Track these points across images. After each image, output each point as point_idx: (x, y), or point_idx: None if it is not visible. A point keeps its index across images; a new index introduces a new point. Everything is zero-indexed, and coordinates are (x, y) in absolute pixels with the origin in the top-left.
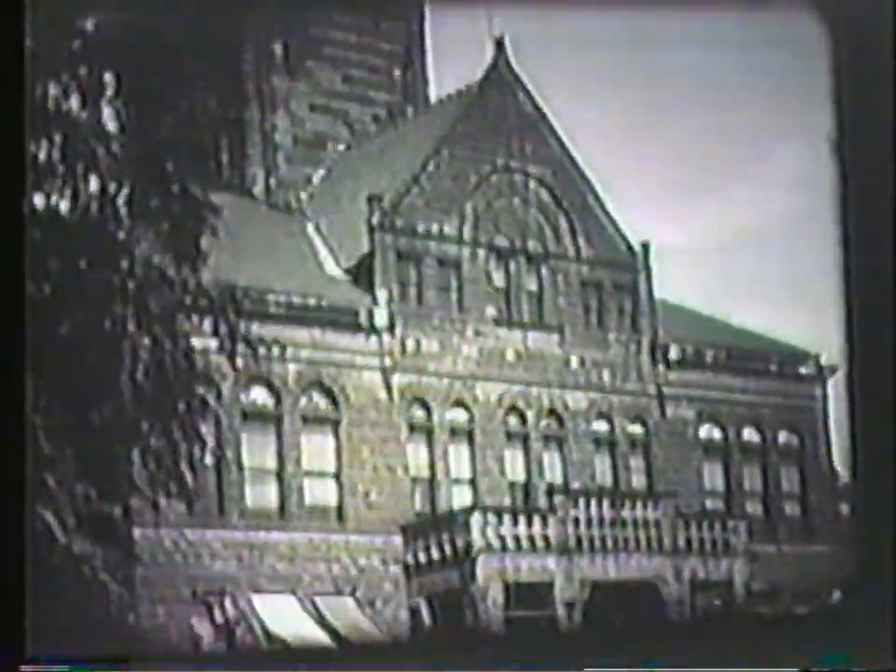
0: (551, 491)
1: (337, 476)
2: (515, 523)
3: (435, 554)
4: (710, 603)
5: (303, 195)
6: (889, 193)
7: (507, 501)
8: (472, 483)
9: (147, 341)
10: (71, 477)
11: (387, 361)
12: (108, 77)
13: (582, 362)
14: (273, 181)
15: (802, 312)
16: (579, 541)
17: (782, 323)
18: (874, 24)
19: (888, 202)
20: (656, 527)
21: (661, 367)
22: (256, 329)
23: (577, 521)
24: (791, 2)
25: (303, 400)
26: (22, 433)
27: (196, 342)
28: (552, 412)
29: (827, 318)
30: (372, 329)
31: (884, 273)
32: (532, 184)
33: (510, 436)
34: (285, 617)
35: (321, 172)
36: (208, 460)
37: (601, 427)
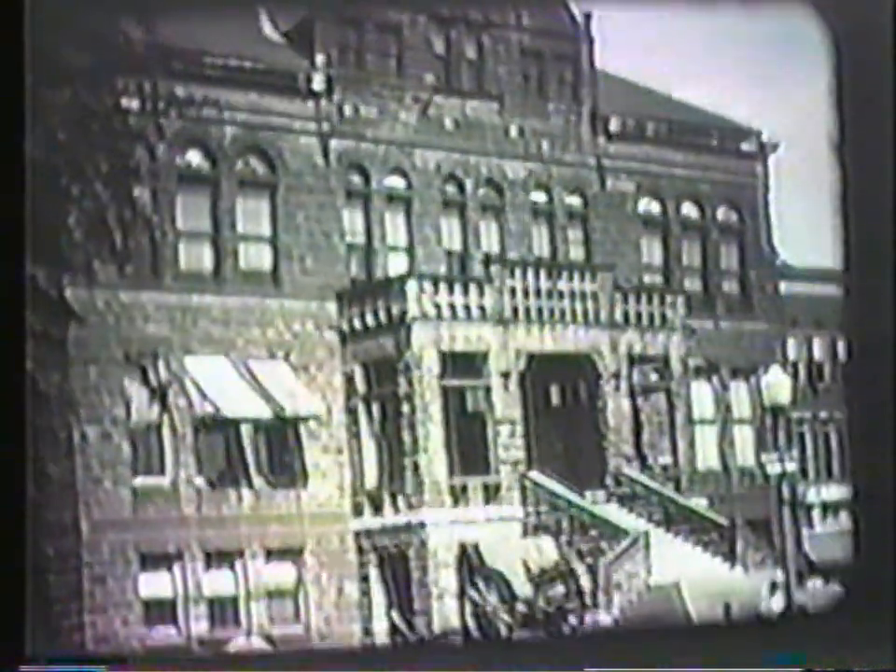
0: (487, 260)
1: (273, 241)
2: (451, 291)
3: (370, 321)
4: (646, 376)
5: None
6: (890, 193)
7: (443, 270)
8: (409, 250)
9: (66, 95)
10: None
11: (325, 126)
12: None
13: (522, 132)
14: None
15: (745, 89)
16: (515, 312)
17: (725, 99)
18: (874, 24)
19: (888, 202)
20: (593, 300)
21: (601, 139)
22: (190, 90)
23: (513, 291)
24: (790, 2)
25: (239, 164)
26: (22, 433)
27: (125, 101)
28: (490, 181)
29: (770, 96)
30: (310, 93)
31: (884, 272)
32: None
33: (447, 204)
34: (217, 380)
35: None
36: (141, 222)
37: (539, 197)
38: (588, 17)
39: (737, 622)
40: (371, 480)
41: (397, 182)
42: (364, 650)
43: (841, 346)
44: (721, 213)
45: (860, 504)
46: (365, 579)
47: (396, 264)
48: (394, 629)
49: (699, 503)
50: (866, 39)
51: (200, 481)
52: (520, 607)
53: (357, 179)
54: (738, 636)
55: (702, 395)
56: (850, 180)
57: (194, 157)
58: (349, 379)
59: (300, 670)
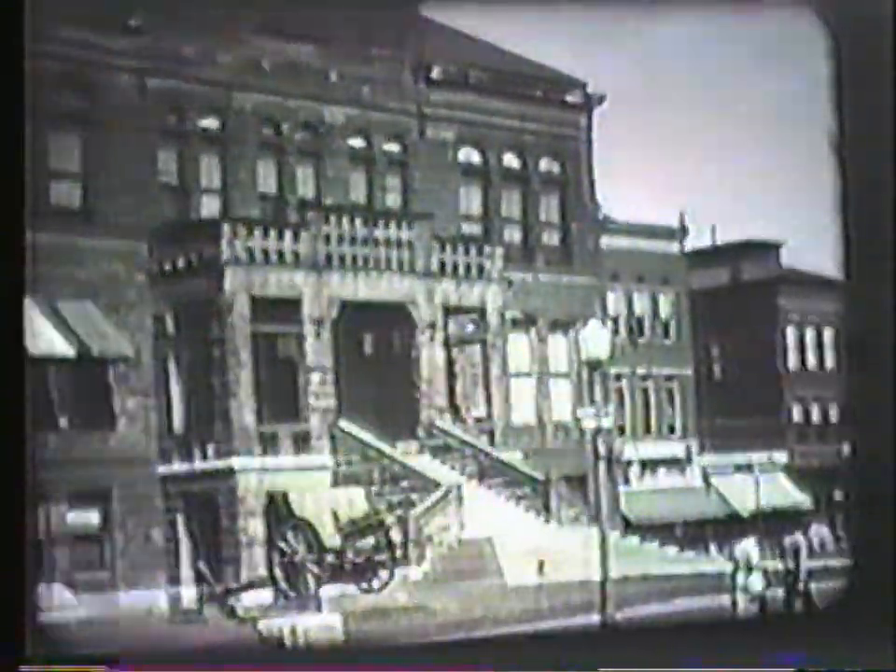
0: (303, 206)
1: (84, 178)
2: (265, 236)
3: (182, 264)
4: (462, 327)
5: None
6: (890, 193)
7: (257, 214)
8: (223, 193)
9: None
10: None
11: (142, 64)
12: None
13: (342, 76)
14: None
15: (572, 40)
16: (329, 258)
17: (551, 49)
18: (874, 24)
19: (888, 202)
20: (410, 249)
21: (422, 85)
22: None
23: (328, 237)
24: (791, 2)
25: (53, 97)
26: (22, 432)
27: None
28: (307, 125)
29: (592, 46)
30: (128, 30)
31: (884, 273)
32: None
33: (263, 147)
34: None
35: None
36: None
37: (358, 143)
38: None
39: (737, 621)
40: (179, 424)
41: (212, 123)
42: (364, 649)
43: (664, 301)
44: (543, 164)
45: (859, 504)
46: (172, 525)
47: (210, 206)
48: (199, 577)
49: (513, 457)
50: (866, 39)
51: None
52: (329, 558)
53: (172, 119)
54: (738, 635)
55: (518, 347)
56: (850, 180)
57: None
58: (159, 322)
59: (303, 669)
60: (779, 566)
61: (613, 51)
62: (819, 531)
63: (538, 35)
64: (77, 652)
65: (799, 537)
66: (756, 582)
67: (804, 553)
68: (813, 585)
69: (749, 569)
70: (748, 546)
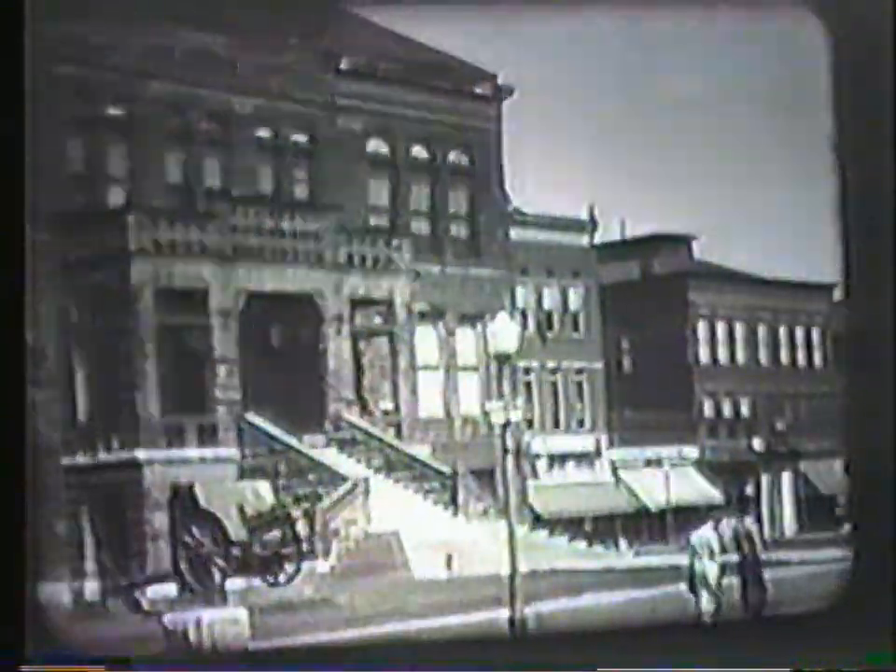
0: (210, 196)
1: None
2: (172, 226)
3: (88, 253)
4: (370, 319)
5: None
6: (890, 193)
7: (164, 204)
8: (129, 182)
9: None
10: None
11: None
12: None
13: (252, 66)
14: None
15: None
16: (236, 250)
17: (464, 41)
18: (874, 24)
19: (888, 202)
20: (317, 240)
21: (331, 76)
22: None
23: (235, 228)
24: (790, 2)
25: None
26: (23, 432)
27: None
28: (216, 114)
29: (510, 38)
30: None
31: (884, 273)
32: None
33: (171, 137)
34: None
35: None
36: None
37: (266, 133)
38: None
39: (737, 620)
40: (83, 416)
41: (119, 111)
42: (363, 649)
43: (573, 294)
44: (452, 155)
45: (859, 504)
46: (76, 517)
47: (116, 196)
48: (103, 570)
49: (421, 450)
50: (866, 39)
51: None
52: (234, 551)
53: (80, 106)
54: (739, 634)
55: (426, 340)
56: (850, 180)
57: None
58: (64, 312)
59: (302, 669)
60: (734, 556)
61: (527, 43)
62: (729, 525)
63: (447, 26)
64: (78, 653)
65: (751, 524)
66: (713, 570)
67: (758, 539)
68: (767, 574)
69: (712, 556)
70: (706, 533)
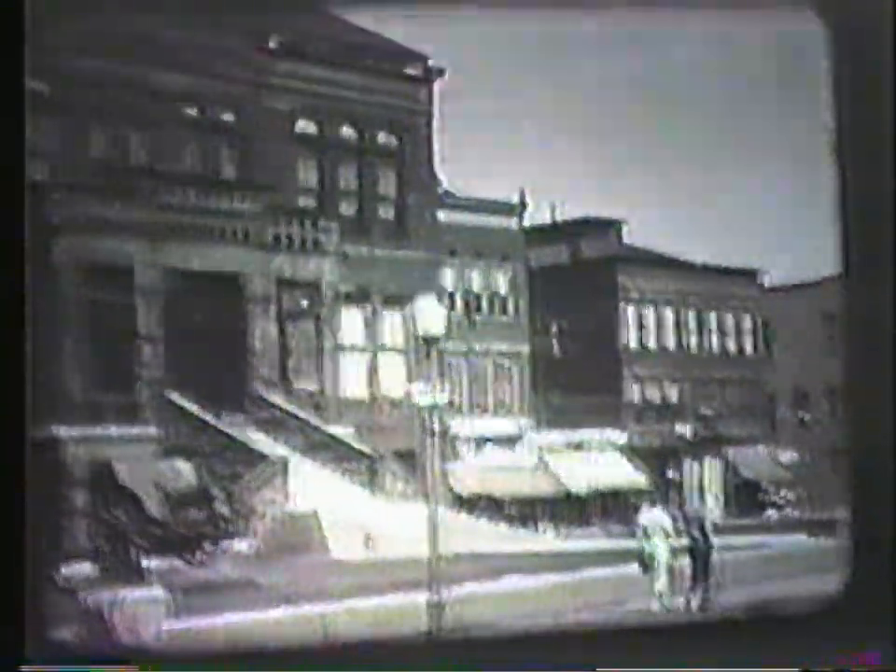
0: (136, 173)
1: None
2: (97, 203)
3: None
4: (296, 301)
5: None
6: (890, 193)
7: (90, 181)
8: (54, 158)
9: None
10: None
11: None
12: None
13: (177, 43)
14: None
15: (413, 12)
16: (162, 228)
17: (393, 22)
18: (874, 24)
19: (888, 202)
20: (245, 220)
21: (260, 55)
22: None
23: (161, 206)
24: (790, 2)
25: None
26: (23, 433)
27: None
28: (142, 91)
29: (441, 21)
30: None
31: (884, 273)
32: None
33: (95, 112)
34: None
35: None
36: None
37: (193, 112)
38: None
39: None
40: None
41: (42, 87)
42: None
43: (501, 278)
44: (381, 137)
45: (860, 505)
46: None
47: (40, 171)
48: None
49: (344, 432)
50: (866, 39)
51: None
52: (154, 530)
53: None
54: (738, 634)
55: (352, 322)
56: (850, 180)
57: None
58: None
59: (304, 669)
60: (684, 540)
61: (461, 25)
62: (681, 509)
63: (379, 7)
64: (78, 653)
65: (702, 507)
66: (664, 552)
67: (708, 523)
68: (716, 556)
69: (665, 538)
70: (656, 516)
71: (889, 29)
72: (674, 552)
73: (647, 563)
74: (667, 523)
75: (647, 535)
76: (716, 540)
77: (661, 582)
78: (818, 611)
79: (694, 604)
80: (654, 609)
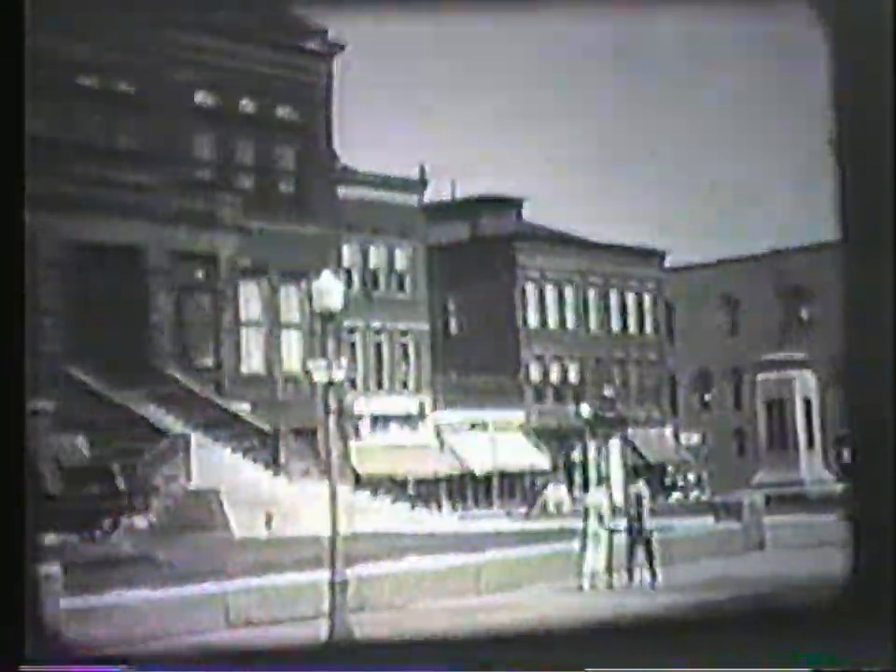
0: (33, 143)
1: None
2: None
3: None
4: (193, 274)
5: None
6: (890, 193)
7: None
8: None
9: None
10: None
11: None
12: None
13: (81, 12)
14: None
15: None
16: (61, 199)
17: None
18: (874, 24)
19: (888, 202)
20: (143, 192)
21: (160, 26)
22: None
23: (61, 177)
24: (790, 2)
25: None
26: (23, 432)
27: None
28: (41, 61)
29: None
30: None
31: (884, 273)
32: None
33: None
34: None
35: None
36: None
37: (91, 82)
38: None
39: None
40: None
41: None
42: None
43: (400, 254)
44: (280, 110)
45: (859, 504)
46: None
47: None
48: None
49: (242, 408)
50: (866, 39)
51: None
52: (50, 505)
53: None
54: (738, 634)
55: (250, 297)
56: (850, 180)
57: None
58: None
59: (303, 669)
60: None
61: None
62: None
63: None
64: (78, 653)
65: (642, 486)
66: (603, 532)
67: (646, 501)
68: (655, 535)
69: (601, 519)
70: (598, 495)
71: (889, 29)
72: (612, 532)
73: (587, 542)
74: (605, 503)
75: (588, 515)
76: (652, 522)
77: (595, 561)
78: (817, 610)
79: (637, 580)
80: (585, 588)
